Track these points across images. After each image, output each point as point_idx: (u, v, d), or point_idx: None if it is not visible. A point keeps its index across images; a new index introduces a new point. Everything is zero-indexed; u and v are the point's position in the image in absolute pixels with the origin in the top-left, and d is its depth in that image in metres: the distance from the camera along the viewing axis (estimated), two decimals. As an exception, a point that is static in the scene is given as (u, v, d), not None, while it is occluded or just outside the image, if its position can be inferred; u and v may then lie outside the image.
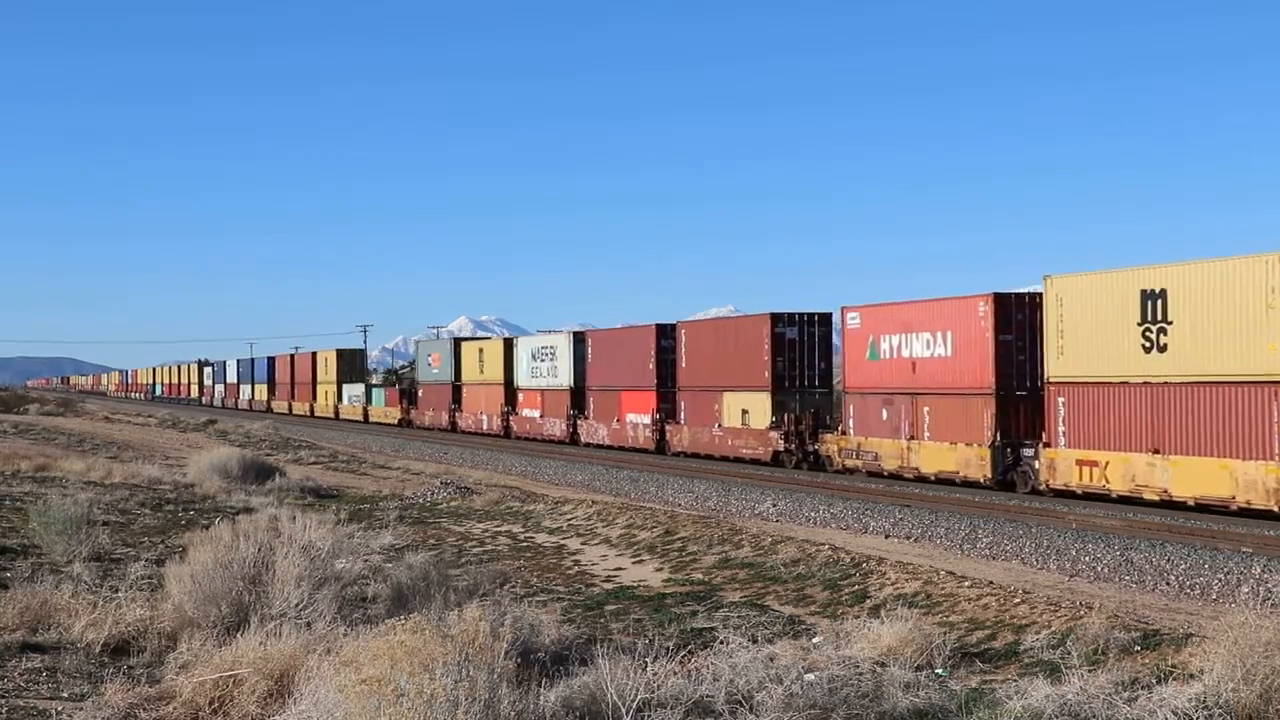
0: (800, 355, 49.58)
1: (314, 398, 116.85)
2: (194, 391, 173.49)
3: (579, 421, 65.46)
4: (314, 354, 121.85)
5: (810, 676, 13.64)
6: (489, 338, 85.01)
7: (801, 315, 49.87)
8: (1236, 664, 12.60)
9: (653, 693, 12.27)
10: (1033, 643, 16.12)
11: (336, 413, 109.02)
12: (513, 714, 11.41)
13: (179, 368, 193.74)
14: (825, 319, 50.25)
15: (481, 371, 79.02)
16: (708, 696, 12.84)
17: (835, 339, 50.95)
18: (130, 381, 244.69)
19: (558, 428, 67.62)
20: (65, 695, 13.68)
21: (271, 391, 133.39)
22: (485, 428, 77.40)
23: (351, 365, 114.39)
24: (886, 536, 31.01)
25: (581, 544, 27.60)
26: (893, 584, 20.51)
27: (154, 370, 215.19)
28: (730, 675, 13.37)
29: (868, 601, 19.79)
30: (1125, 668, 14.29)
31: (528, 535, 29.22)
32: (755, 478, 44.65)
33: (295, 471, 46.61)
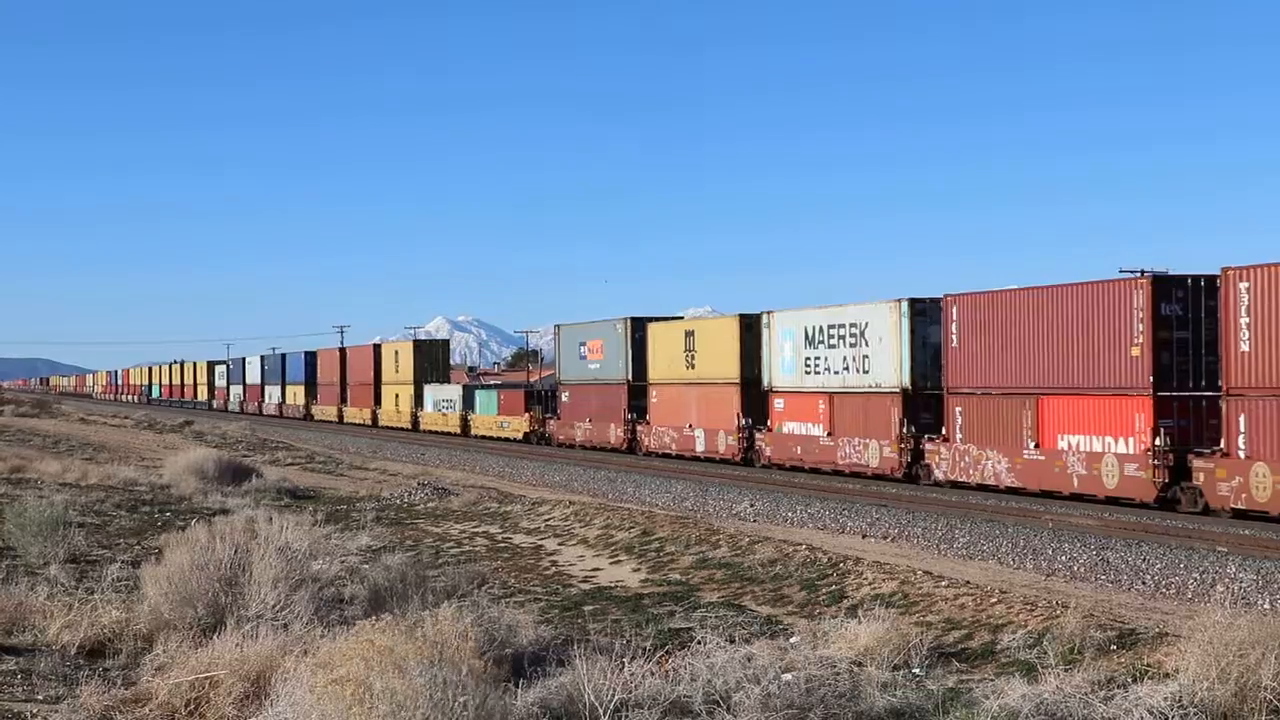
0: None
1: (377, 402, 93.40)
2: (202, 394, 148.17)
3: (926, 445, 39.76)
4: (377, 346, 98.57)
5: (787, 676, 13.67)
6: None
7: None
8: (1211, 663, 12.67)
9: (630, 693, 12.29)
10: (1009, 642, 16.19)
11: (415, 422, 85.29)
12: (488, 715, 11.40)
13: (182, 366, 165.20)
14: None
15: (691, 365, 52.85)
16: (685, 697, 12.85)
17: None
18: (120, 382, 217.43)
19: (873, 453, 41.80)
20: (40, 697, 13.63)
21: (311, 394, 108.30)
22: (701, 448, 51.64)
23: (433, 361, 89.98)
24: (863, 536, 31.06)
25: (559, 544, 27.60)
26: (870, 584, 20.56)
27: (149, 370, 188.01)
28: (708, 675, 13.39)
29: (845, 601, 19.83)
30: (1101, 667, 14.35)
31: (505, 536, 29.20)
32: (732, 477, 44.69)
33: (272, 473, 46.46)
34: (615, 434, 58.42)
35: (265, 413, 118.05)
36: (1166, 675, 13.43)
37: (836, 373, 44.08)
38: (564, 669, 13.27)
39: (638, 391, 57.31)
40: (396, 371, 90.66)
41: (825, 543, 27.27)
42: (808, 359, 45.53)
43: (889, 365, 41.52)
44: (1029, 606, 17.90)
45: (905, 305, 41.12)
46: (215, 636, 14.48)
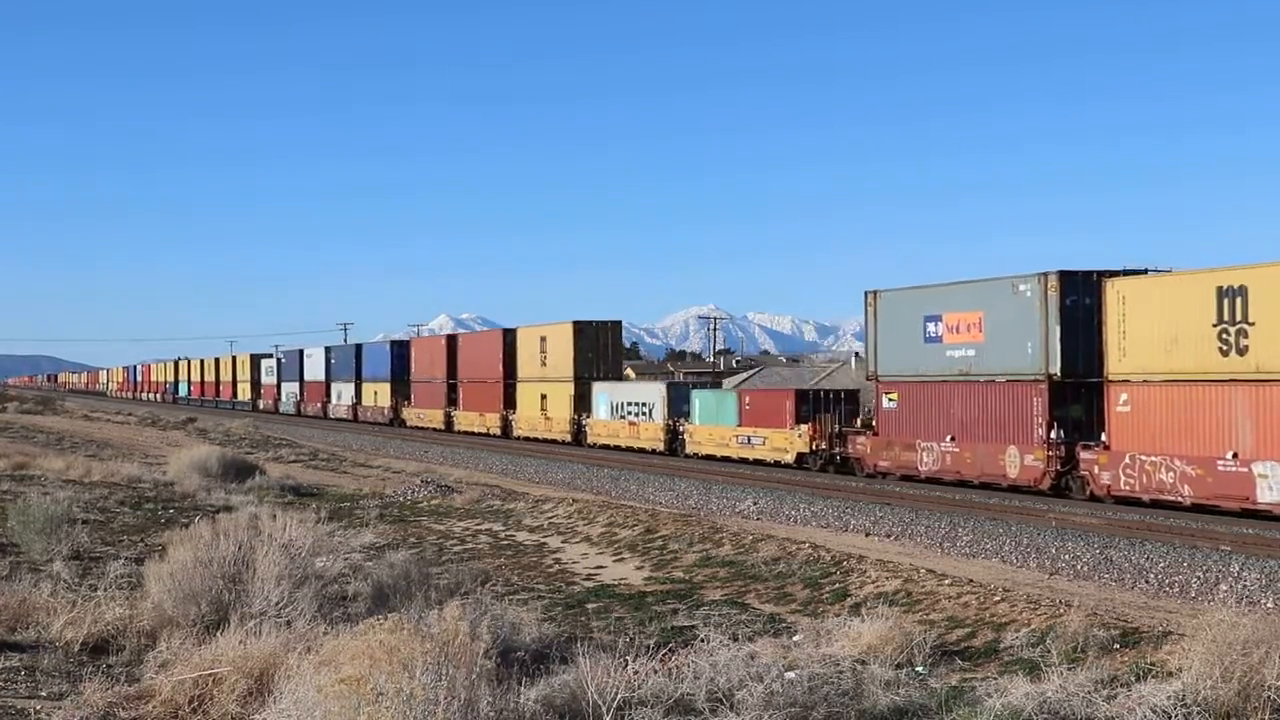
0: None
1: (509, 405, 70.60)
2: (243, 392, 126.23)
3: None
4: (509, 331, 73.39)
5: (791, 675, 13.65)
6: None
7: None
8: (1215, 662, 12.65)
9: (633, 691, 12.27)
10: (1012, 641, 16.17)
11: (577, 433, 63.06)
12: (492, 713, 11.40)
13: (218, 361, 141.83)
14: None
15: (1236, 347, 30.09)
16: (688, 695, 12.84)
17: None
18: (139, 379, 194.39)
19: None
20: (44, 694, 13.62)
21: (402, 394, 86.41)
22: (1271, 497, 29.01)
23: (600, 350, 65.27)
24: (867, 535, 31.06)
25: (562, 542, 27.58)
26: (873, 582, 20.55)
27: (174, 365, 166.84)
28: (711, 673, 13.37)
29: (848, 600, 19.82)
30: (1104, 666, 14.33)
31: (508, 534, 29.19)
32: (736, 476, 44.67)
33: (275, 470, 46.52)
34: (1019, 464, 36.56)
35: (332, 415, 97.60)
36: (1170, 674, 13.40)
37: None
38: (567, 667, 13.27)
39: (1067, 394, 35.98)
40: (544, 365, 67.42)
41: (829, 541, 27.27)
42: None
43: None
44: (1032, 605, 17.88)
45: None
46: (219, 633, 14.46)
